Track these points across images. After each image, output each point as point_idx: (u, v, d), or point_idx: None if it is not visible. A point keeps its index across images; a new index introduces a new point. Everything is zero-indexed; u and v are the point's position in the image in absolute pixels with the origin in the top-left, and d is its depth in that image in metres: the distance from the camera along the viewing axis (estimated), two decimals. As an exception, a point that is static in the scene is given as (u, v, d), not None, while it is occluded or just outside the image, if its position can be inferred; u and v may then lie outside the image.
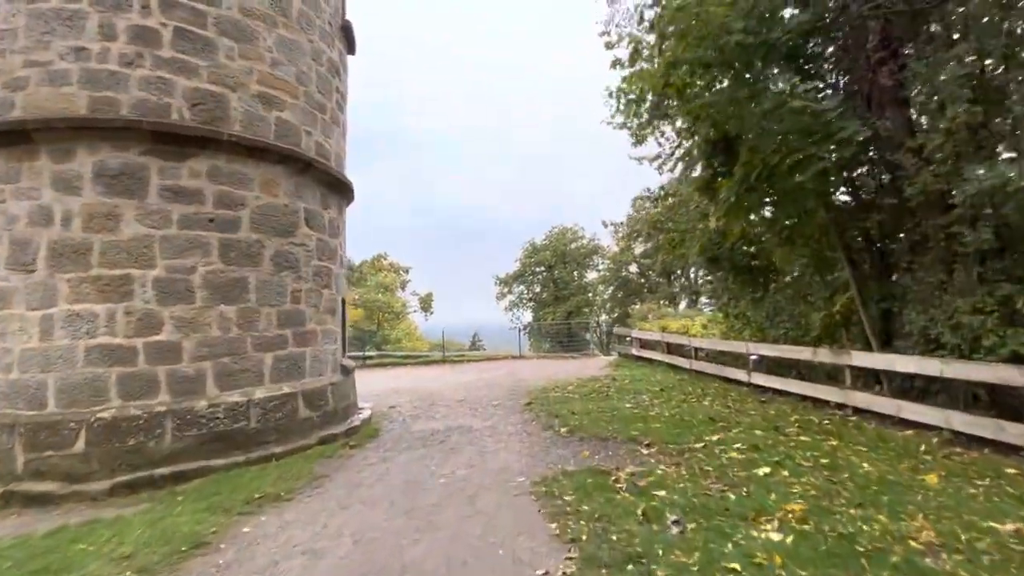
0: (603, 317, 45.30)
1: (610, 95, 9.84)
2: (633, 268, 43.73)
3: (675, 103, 7.92)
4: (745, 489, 4.56)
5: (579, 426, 7.21)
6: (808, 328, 8.45)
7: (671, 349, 13.06)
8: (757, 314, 10.20)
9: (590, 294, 44.18)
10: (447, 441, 7.00)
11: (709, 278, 42.11)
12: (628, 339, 15.54)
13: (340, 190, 8.17)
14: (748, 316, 10.50)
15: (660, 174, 13.11)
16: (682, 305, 39.56)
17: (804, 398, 8.14)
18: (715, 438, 6.23)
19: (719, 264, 11.17)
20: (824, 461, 5.24)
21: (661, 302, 36.97)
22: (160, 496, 5.21)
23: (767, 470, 5.01)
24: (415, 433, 7.56)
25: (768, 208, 7.65)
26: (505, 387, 11.58)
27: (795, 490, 4.49)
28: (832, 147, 5.95)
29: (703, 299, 41.79)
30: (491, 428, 7.66)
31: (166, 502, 5.02)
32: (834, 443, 5.93)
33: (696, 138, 8.09)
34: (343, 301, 8.46)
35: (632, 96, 9.16)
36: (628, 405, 8.59)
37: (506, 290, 46.35)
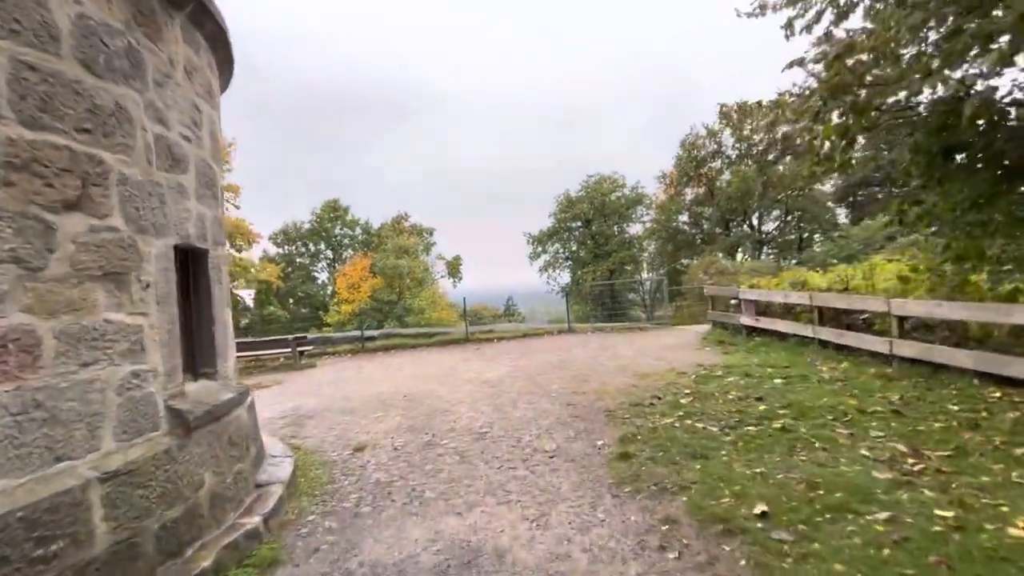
0: (645, 275, 39.75)
1: None
2: (683, 218, 37.72)
3: None
4: None
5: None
6: None
7: (825, 316, 7.74)
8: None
9: (634, 249, 38.55)
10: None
11: (775, 226, 35.68)
12: (734, 302, 10.24)
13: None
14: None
15: (788, 37, 7.50)
16: (740, 257, 33.61)
17: None
18: None
19: (965, 155, 5.68)
20: None
21: (718, 254, 31.20)
22: None
23: None
24: (350, 595, 2.73)
25: None
26: (562, 395, 6.60)
27: None
28: None
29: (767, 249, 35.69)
30: (556, 570, 2.75)
31: None
32: None
33: None
34: (192, 255, 3.56)
35: None
36: (882, 475, 3.45)
37: (540, 249, 41.15)
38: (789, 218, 33.05)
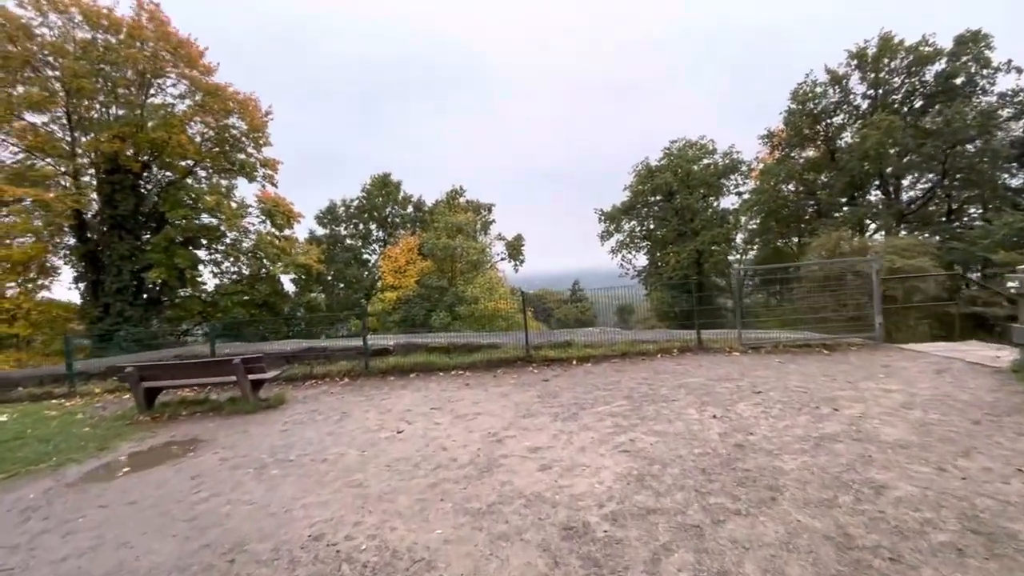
0: (733, 257, 32.69)
1: None
2: (790, 187, 30.20)
3: None
4: None
5: None
6: None
7: None
8: None
9: (727, 226, 31.61)
10: None
11: (920, 193, 27.52)
12: None
13: None
14: None
15: None
16: (872, 231, 25.99)
17: None
18: None
19: None
20: None
21: (840, 230, 23.83)
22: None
23: None
24: None
25: None
26: None
27: None
28: None
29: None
30: None
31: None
32: None
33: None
34: None
35: None
36: None
37: (612, 227, 35.24)
38: (946, 182, 24.84)
